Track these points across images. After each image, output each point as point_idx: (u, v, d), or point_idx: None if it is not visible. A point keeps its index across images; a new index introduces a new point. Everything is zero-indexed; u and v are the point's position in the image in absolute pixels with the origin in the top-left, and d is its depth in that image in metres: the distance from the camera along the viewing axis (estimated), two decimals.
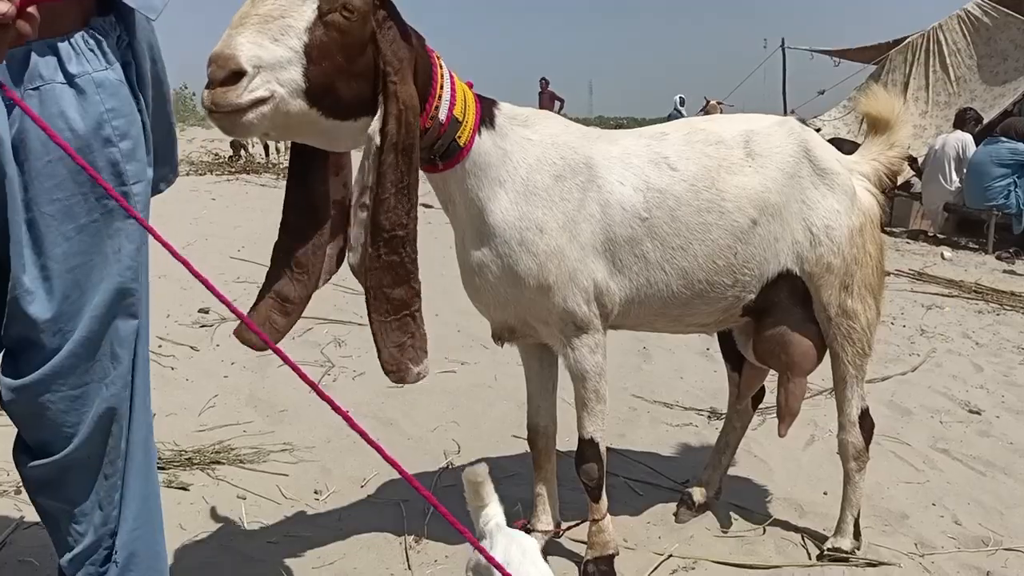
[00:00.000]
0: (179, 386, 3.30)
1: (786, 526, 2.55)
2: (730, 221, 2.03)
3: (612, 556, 2.17)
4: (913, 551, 2.43)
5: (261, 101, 1.41)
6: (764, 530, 2.52)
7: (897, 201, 11.16)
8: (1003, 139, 9.34)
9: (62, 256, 1.24)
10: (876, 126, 2.38)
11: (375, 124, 1.52)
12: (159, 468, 2.52)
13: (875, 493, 2.80)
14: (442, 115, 1.71)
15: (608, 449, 2.95)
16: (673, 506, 2.60)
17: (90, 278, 1.28)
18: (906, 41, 10.99)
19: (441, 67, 1.72)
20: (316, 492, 2.53)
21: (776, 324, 2.22)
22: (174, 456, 2.61)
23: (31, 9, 1.05)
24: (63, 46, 1.22)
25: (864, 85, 11.25)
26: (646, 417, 3.37)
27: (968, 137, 9.81)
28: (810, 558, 2.37)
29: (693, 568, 2.27)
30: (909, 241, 9.72)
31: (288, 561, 2.14)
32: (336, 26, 1.46)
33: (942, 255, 8.67)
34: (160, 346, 3.71)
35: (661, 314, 2.11)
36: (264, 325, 1.66)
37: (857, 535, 2.38)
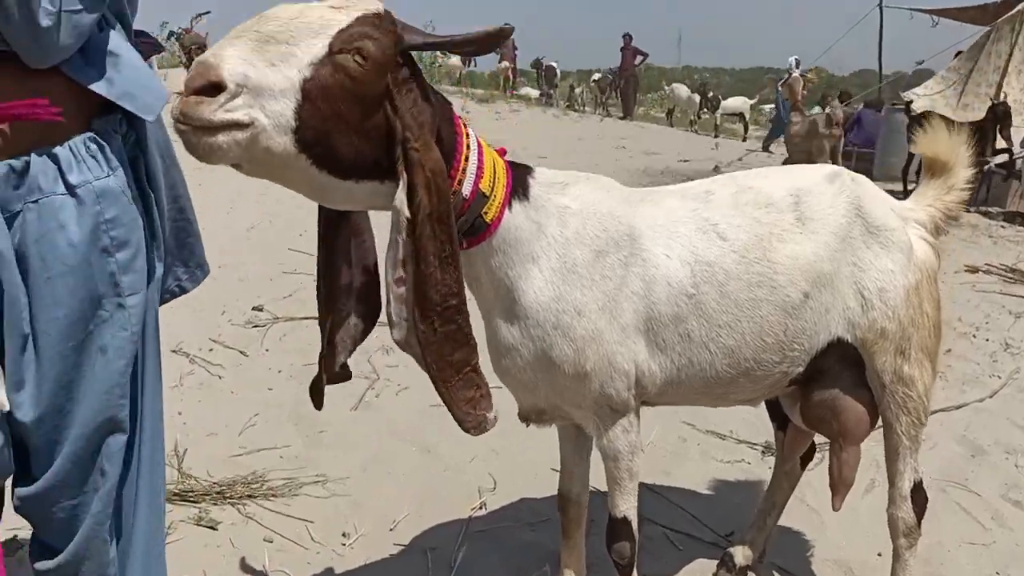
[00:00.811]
0: (224, 399, 3.31)
1: None
2: (781, 296, 1.86)
3: None
4: None
5: (237, 125, 1.25)
6: None
7: (995, 179, 10.55)
8: None
9: (56, 373, 1.21)
10: (934, 168, 2.15)
11: (400, 196, 1.37)
12: (191, 502, 2.56)
13: (934, 557, 2.62)
14: (466, 189, 1.55)
15: (650, 489, 2.87)
16: (713, 565, 2.48)
17: (81, 393, 1.23)
18: (1017, 8, 10.23)
19: (468, 135, 1.56)
20: (344, 535, 2.50)
21: (825, 389, 2.06)
22: (207, 489, 2.61)
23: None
24: (63, 154, 1.17)
25: (967, 55, 10.57)
26: (695, 450, 3.23)
27: None
28: None
29: None
30: (1005, 225, 9.17)
31: None
32: (345, 70, 1.29)
33: None
34: (211, 350, 3.74)
35: (703, 393, 1.97)
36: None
37: None
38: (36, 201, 1.14)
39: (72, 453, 1.23)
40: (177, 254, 1.45)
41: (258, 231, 5.86)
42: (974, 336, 4.83)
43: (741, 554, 2.45)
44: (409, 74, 1.38)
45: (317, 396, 1.71)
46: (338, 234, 1.62)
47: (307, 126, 1.27)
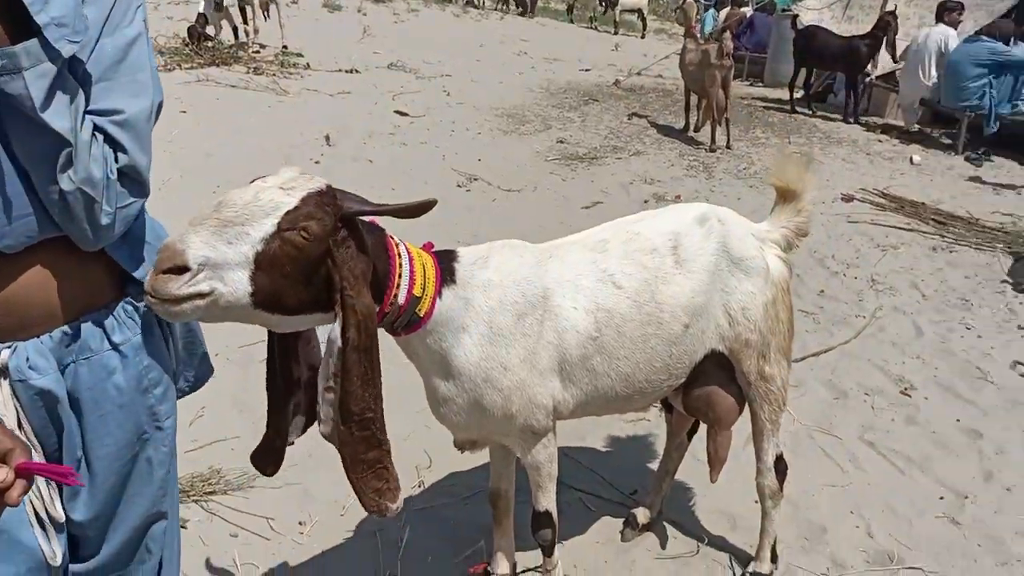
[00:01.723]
0: None
1: (718, 544, 2.89)
2: (667, 330, 2.23)
3: None
4: (826, 572, 2.79)
5: (200, 296, 1.48)
6: (698, 549, 2.86)
7: (876, 91, 11.17)
8: (984, 38, 9.28)
9: (108, 485, 1.50)
10: (785, 195, 2.54)
11: (336, 329, 1.64)
12: None
13: (801, 501, 3.14)
14: (401, 299, 1.83)
15: (566, 455, 3.28)
16: (619, 523, 2.94)
17: (127, 495, 1.54)
18: None
19: (399, 255, 1.83)
20: (300, 523, 2.83)
21: (702, 386, 2.46)
22: None
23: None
24: (108, 321, 1.44)
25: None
26: (605, 417, 3.64)
27: (951, 32, 9.72)
28: None
29: None
30: (881, 139, 9.80)
31: None
32: (292, 243, 1.53)
33: (911, 159, 8.81)
34: None
35: (606, 408, 2.35)
36: (269, 466, 1.94)
37: (774, 559, 2.73)
38: (87, 358, 1.41)
39: (124, 540, 1.54)
40: (187, 362, 1.70)
41: (173, 188, 5.87)
42: (844, 275, 5.39)
43: (642, 514, 2.91)
44: (347, 233, 1.62)
45: (263, 466, 1.94)
46: (288, 340, 1.86)
47: (260, 288, 1.52)
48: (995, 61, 9.07)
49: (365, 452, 1.76)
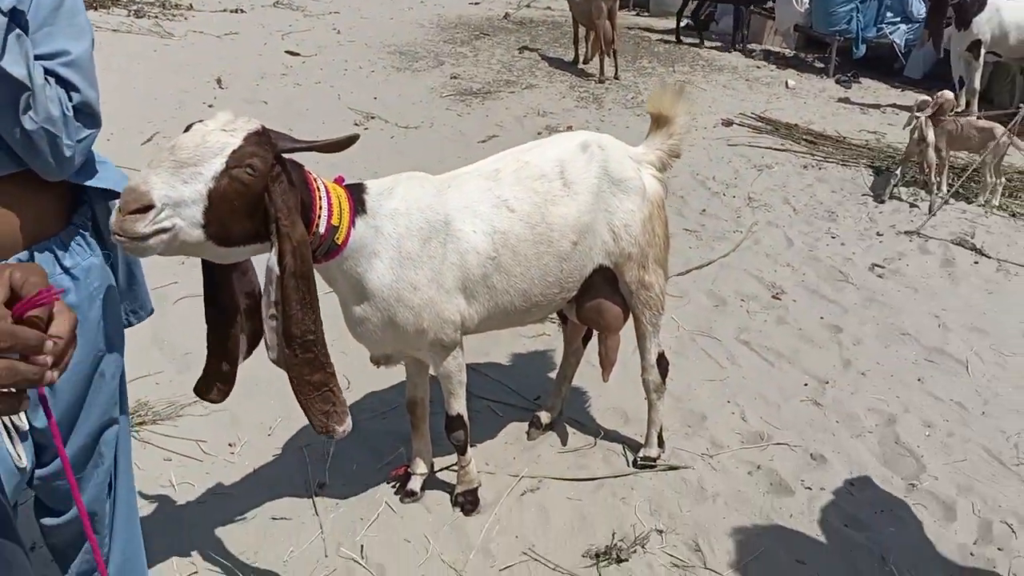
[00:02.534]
0: None
1: (613, 437, 3.25)
2: (557, 248, 2.50)
3: (476, 488, 2.81)
4: (706, 452, 3.18)
5: (163, 231, 1.69)
6: (595, 442, 3.21)
7: (754, 19, 11.63)
8: None
9: (68, 397, 1.68)
10: (659, 121, 2.84)
11: (273, 258, 1.84)
12: None
13: (684, 395, 3.53)
14: (322, 228, 2.03)
15: (474, 369, 3.56)
16: (525, 425, 3.25)
17: (85, 405, 1.72)
18: None
19: (319, 189, 2.02)
20: (230, 445, 3.04)
21: (592, 298, 2.76)
22: None
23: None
24: (59, 248, 1.60)
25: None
26: (507, 333, 3.93)
27: None
28: (628, 466, 3.08)
29: (538, 487, 2.94)
30: (760, 65, 10.27)
31: (215, 521, 2.68)
32: (239, 179, 1.73)
33: (787, 83, 9.31)
34: None
35: (507, 322, 2.63)
36: (214, 391, 2.12)
37: (661, 444, 3.10)
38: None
39: (81, 445, 1.73)
40: (127, 294, 1.86)
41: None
42: (724, 195, 5.80)
43: (545, 416, 3.23)
44: (280, 170, 1.83)
45: (208, 394, 2.12)
46: (224, 270, 2.03)
47: (211, 221, 1.74)
48: None
49: (311, 374, 1.98)
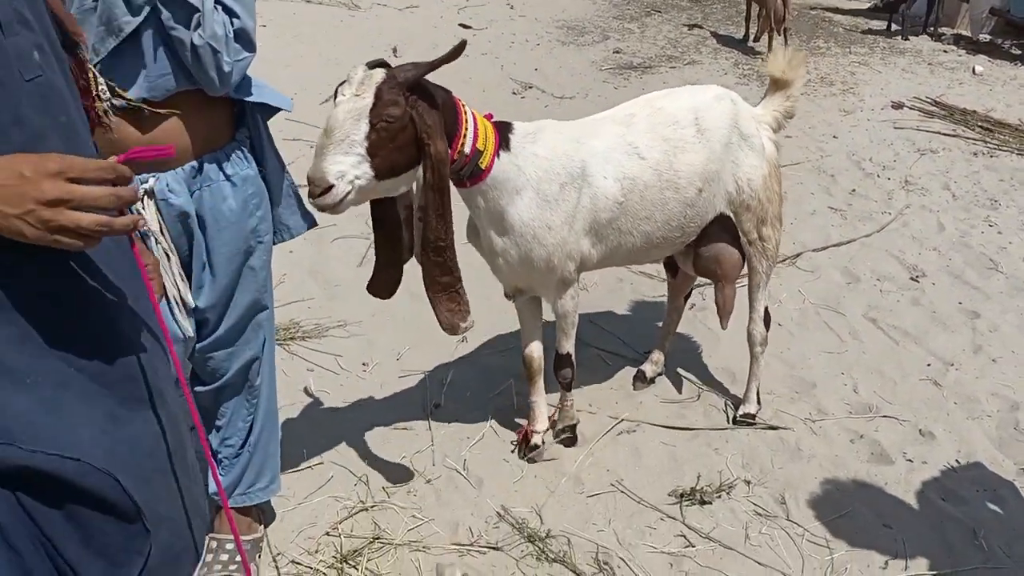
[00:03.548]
0: None
1: (719, 391, 3.36)
2: (683, 194, 2.65)
3: (575, 424, 3.01)
4: (808, 416, 3.23)
5: (347, 195, 2.07)
6: (699, 396, 3.33)
7: (948, 2, 10.91)
8: None
9: (224, 281, 2.06)
10: (777, 83, 2.93)
11: (419, 172, 2.17)
12: None
13: (797, 363, 3.57)
14: (467, 148, 2.28)
15: (590, 320, 3.76)
16: (632, 375, 3.42)
17: (238, 291, 2.11)
18: None
19: (465, 112, 2.27)
20: (364, 364, 3.41)
21: (710, 245, 2.89)
22: None
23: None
24: (222, 157, 1.99)
25: None
26: (628, 289, 4.11)
27: None
28: (727, 422, 3.19)
29: (634, 430, 3.11)
30: (948, 49, 9.69)
31: (344, 423, 3.04)
32: (385, 129, 2.05)
33: (973, 70, 8.76)
34: None
35: (627, 261, 2.85)
36: (384, 285, 2.49)
37: (759, 400, 3.18)
38: (208, 186, 1.96)
39: (234, 322, 2.12)
40: (285, 206, 2.21)
41: None
42: (878, 176, 5.63)
43: (650, 368, 3.38)
44: (416, 97, 2.09)
45: (378, 291, 2.49)
46: (389, 202, 2.36)
47: (378, 168, 2.08)
48: None
49: (440, 275, 2.29)
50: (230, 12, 1.82)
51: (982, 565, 2.57)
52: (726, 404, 3.29)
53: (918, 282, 4.28)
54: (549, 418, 2.98)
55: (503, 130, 2.42)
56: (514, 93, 7.03)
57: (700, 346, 3.66)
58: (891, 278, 4.32)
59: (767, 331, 3.08)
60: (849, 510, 2.76)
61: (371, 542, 2.54)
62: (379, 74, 2.07)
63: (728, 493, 2.81)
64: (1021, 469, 2.97)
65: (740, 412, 3.17)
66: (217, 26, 1.78)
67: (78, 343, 1.15)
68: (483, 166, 2.33)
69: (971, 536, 2.66)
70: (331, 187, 2.03)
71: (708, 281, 3.88)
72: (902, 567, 2.55)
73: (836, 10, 11.77)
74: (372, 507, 2.69)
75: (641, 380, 3.37)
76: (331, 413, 3.11)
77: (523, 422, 3.03)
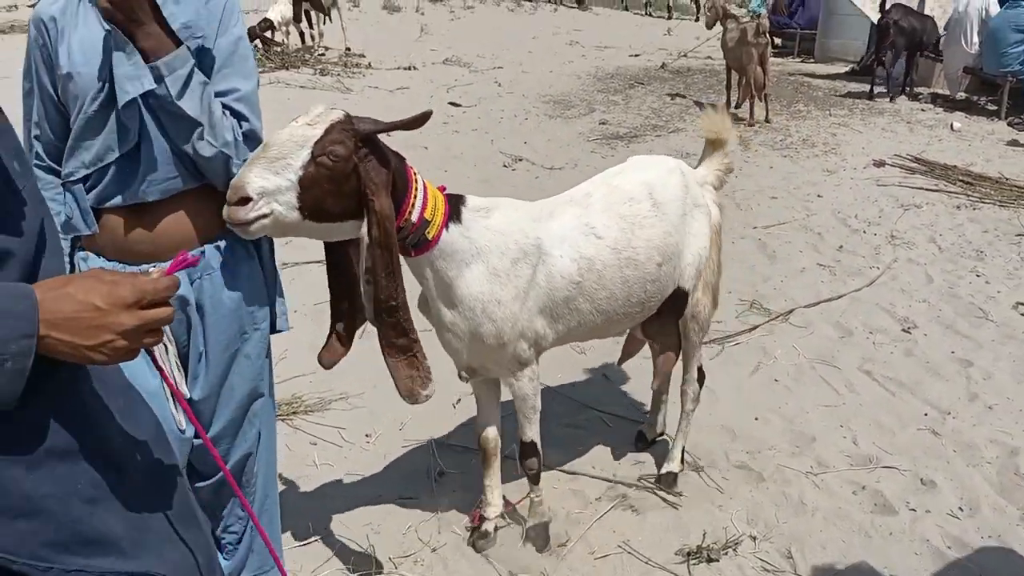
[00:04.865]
0: None
1: (717, 452, 3.37)
2: (643, 271, 2.63)
3: (547, 523, 2.85)
4: (810, 470, 3.25)
5: (263, 216, 1.90)
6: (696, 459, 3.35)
7: (922, 62, 11.27)
8: (1023, 3, 9.38)
9: (219, 371, 2.07)
10: (714, 144, 3.01)
11: (364, 229, 2.08)
12: None
13: (796, 417, 3.61)
14: (414, 217, 2.19)
15: (587, 382, 3.81)
16: (633, 436, 3.44)
17: (235, 379, 2.10)
18: None
19: (416, 180, 2.22)
20: (367, 435, 3.43)
21: (659, 316, 2.88)
22: None
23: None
24: (222, 246, 2.01)
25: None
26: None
27: None
28: (726, 479, 3.20)
29: (637, 491, 3.13)
30: (925, 108, 9.98)
31: (349, 495, 3.06)
32: (324, 165, 1.91)
33: (951, 126, 9.01)
34: None
35: (586, 337, 2.82)
36: (335, 352, 2.39)
37: (683, 461, 3.18)
38: (209, 274, 1.99)
39: (231, 416, 2.11)
40: (281, 293, 2.23)
41: None
42: (864, 232, 5.76)
43: (649, 430, 3.41)
44: (368, 150, 2.03)
45: (324, 356, 2.36)
46: (342, 246, 2.31)
47: (305, 204, 1.97)
48: None
49: (396, 337, 2.18)
50: (239, 116, 1.90)
51: None
52: (728, 463, 3.31)
53: (910, 333, 4.35)
54: (508, 505, 2.91)
55: (455, 202, 2.35)
56: (505, 166, 7.20)
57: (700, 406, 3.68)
58: (883, 330, 4.38)
59: (700, 388, 3.13)
60: (856, 562, 2.76)
61: None
62: (338, 113, 1.99)
63: (735, 550, 2.82)
64: None
65: (663, 471, 3.16)
66: (227, 132, 1.85)
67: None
68: (430, 236, 2.25)
69: None
70: (248, 200, 1.88)
71: (705, 340, 3.95)
72: None
73: (814, 75, 12.15)
74: None
75: (642, 441, 3.39)
76: (335, 486, 3.13)
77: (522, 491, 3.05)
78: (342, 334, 2.41)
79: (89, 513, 1.14)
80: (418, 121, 2.02)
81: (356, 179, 2.00)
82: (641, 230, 2.62)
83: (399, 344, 2.18)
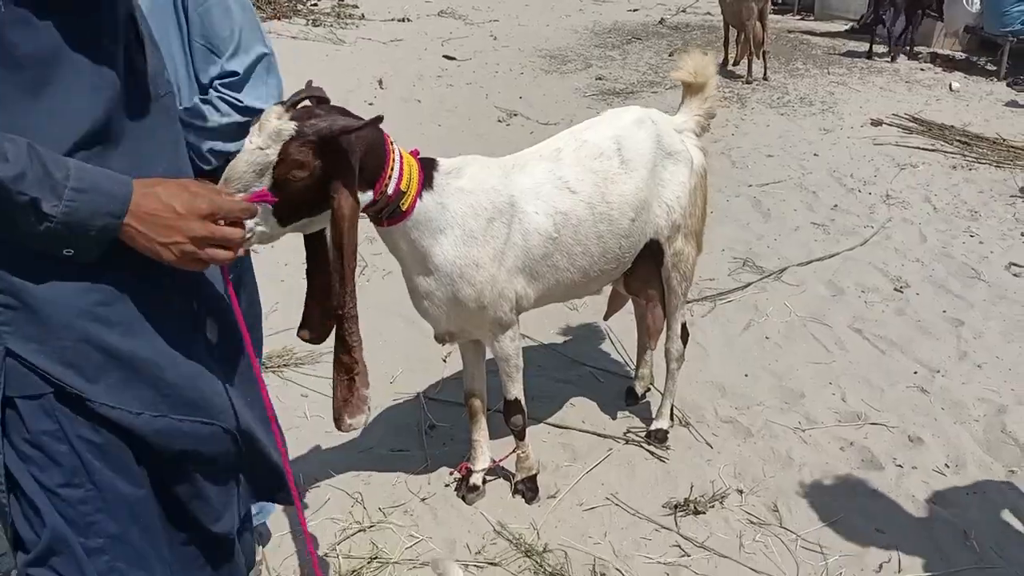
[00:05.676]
0: None
1: (707, 408, 3.39)
2: (617, 226, 2.60)
3: (535, 475, 2.87)
4: (798, 426, 3.27)
5: (247, 240, 1.71)
6: (684, 414, 3.36)
7: (925, 21, 11.12)
8: None
9: None
10: (691, 88, 2.89)
11: (328, 224, 1.95)
12: None
13: (786, 374, 3.62)
14: (390, 190, 2.12)
15: (579, 337, 3.81)
16: (623, 391, 3.46)
17: None
18: None
19: (393, 151, 2.13)
20: None
21: (640, 269, 2.86)
22: None
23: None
24: None
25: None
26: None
27: None
28: (716, 435, 3.22)
29: (626, 445, 3.15)
30: (924, 68, 9.87)
31: (340, 447, 3.07)
32: (289, 182, 1.78)
33: (950, 86, 8.92)
34: None
35: (564, 296, 2.78)
36: (307, 333, 2.17)
37: (672, 417, 3.19)
38: None
39: None
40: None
41: None
42: (859, 192, 5.73)
43: (639, 386, 3.42)
44: (328, 149, 1.83)
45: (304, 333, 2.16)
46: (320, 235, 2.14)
47: (282, 215, 1.82)
48: None
49: (340, 351, 2.01)
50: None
51: (975, 566, 2.59)
52: (717, 418, 3.32)
53: (902, 292, 4.35)
54: (494, 462, 2.92)
55: (427, 167, 2.28)
56: (499, 120, 7.13)
57: (689, 359, 3.69)
58: (875, 289, 4.39)
59: (684, 347, 3.10)
60: (841, 516, 2.79)
61: (369, 562, 2.56)
62: (289, 129, 1.79)
63: (721, 503, 2.84)
64: (1010, 471, 3.01)
65: (652, 427, 3.17)
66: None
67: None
68: (404, 207, 2.19)
69: (963, 538, 2.70)
70: None
71: (697, 297, 3.96)
72: (895, 570, 2.58)
73: (813, 33, 12.00)
74: (369, 528, 2.71)
75: (632, 397, 3.40)
76: (326, 437, 3.13)
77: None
78: (320, 319, 2.16)
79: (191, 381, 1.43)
80: (372, 123, 1.86)
81: (325, 177, 1.87)
82: (613, 185, 2.58)
83: (343, 361, 2.02)
